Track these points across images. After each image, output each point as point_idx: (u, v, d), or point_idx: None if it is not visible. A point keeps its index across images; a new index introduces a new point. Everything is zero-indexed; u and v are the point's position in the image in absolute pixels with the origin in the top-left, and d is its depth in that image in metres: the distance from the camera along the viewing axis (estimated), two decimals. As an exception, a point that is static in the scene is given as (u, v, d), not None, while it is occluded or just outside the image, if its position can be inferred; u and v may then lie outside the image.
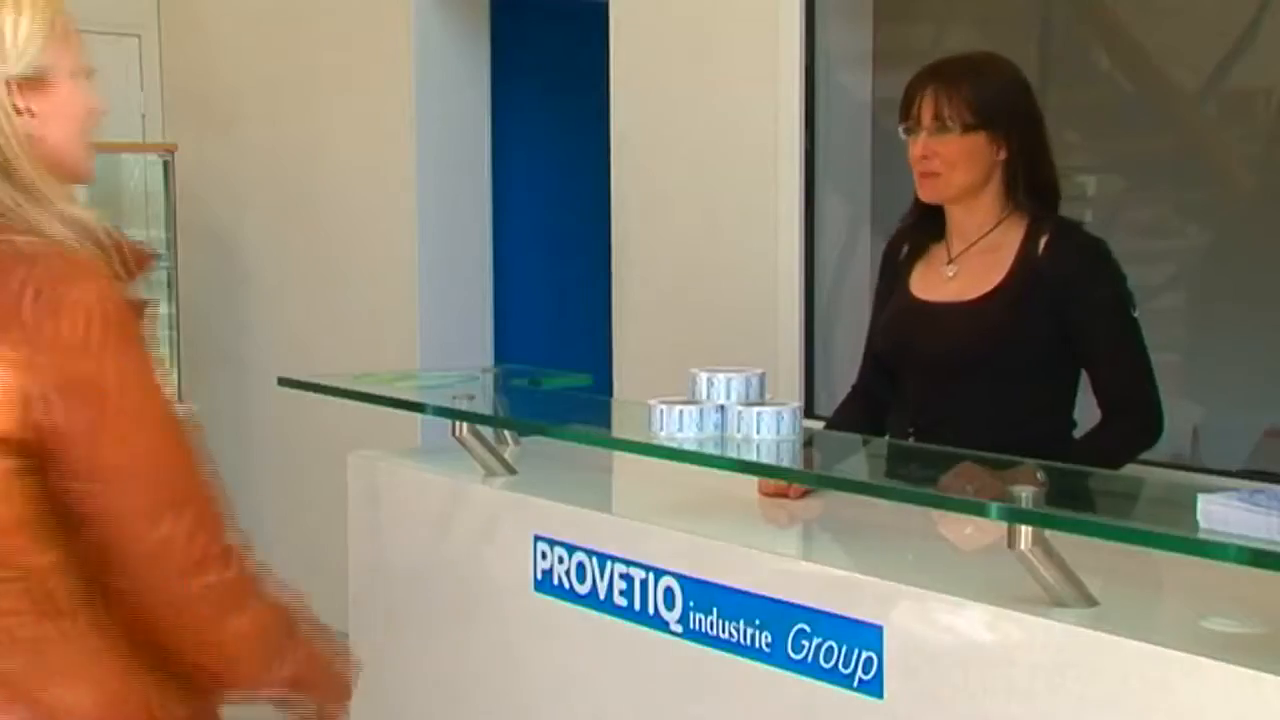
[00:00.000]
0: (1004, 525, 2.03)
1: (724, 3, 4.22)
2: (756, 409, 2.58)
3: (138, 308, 1.75)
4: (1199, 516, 1.89)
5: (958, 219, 2.84)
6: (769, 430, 2.56)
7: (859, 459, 2.82)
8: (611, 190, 4.60)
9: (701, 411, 2.61)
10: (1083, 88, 5.05)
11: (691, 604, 2.48)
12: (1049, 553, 2.05)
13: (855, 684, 2.21)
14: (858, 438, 2.86)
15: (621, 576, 2.61)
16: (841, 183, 4.23)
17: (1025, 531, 2.02)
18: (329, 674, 1.91)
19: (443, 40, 5.35)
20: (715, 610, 2.44)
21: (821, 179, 4.12)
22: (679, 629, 2.50)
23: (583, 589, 2.69)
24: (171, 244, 6.19)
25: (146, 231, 6.31)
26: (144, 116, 6.74)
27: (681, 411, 2.60)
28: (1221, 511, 1.88)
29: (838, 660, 2.24)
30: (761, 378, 2.68)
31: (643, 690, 2.59)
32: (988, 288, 2.77)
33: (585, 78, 4.90)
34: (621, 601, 2.61)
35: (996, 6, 5.19)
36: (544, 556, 2.77)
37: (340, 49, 5.70)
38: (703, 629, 2.46)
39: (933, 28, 5.16)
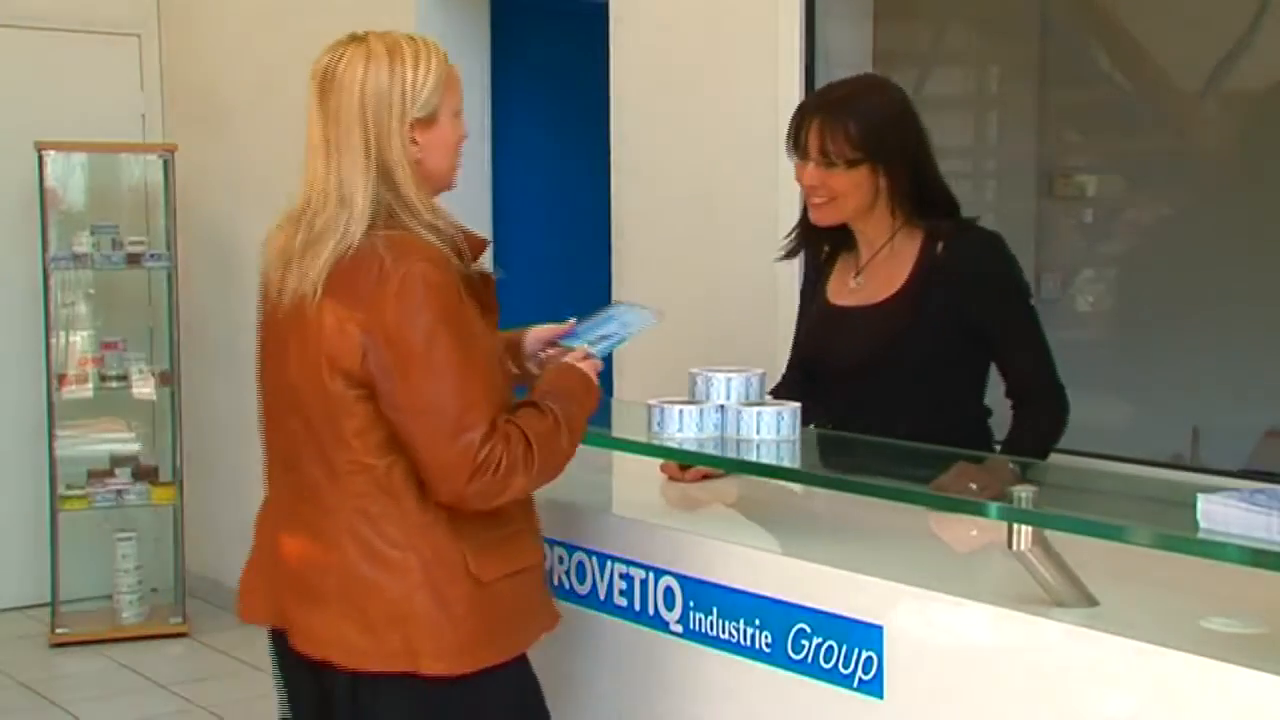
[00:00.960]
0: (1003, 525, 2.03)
1: (724, 3, 4.22)
2: (756, 409, 2.59)
3: (476, 281, 2.35)
4: (1199, 516, 1.90)
5: (860, 227, 2.94)
6: (769, 430, 2.57)
7: (856, 458, 2.82)
8: (611, 190, 4.60)
9: (701, 411, 2.61)
10: (1083, 88, 5.06)
11: (691, 604, 2.48)
12: (1049, 552, 2.05)
13: (855, 684, 2.21)
14: (853, 436, 2.86)
15: (621, 576, 2.61)
16: (841, 183, 4.22)
17: (1024, 531, 2.02)
18: (582, 414, 2.42)
19: (443, 40, 5.31)
20: (715, 610, 2.44)
21: (821, 179, 4.11)
22: (679, 629, 2.50)
23: (583, 589, 2.69)
24: (171, 244, 6.19)
25: (146, 231, 6.32)
26: (144, 116, 6.75)
27: (681, 411, 2.60)
28: (1221, 511, 1.88)
29: (838, 660, 2.24)
30: (761, 378, 2.69)
31: (643, 690, 2.59)
32: (893, 290, 2.88)
33: (585, 78, 4.90)
34: (621, 601, 2.61)
35: (996, 6, 5.19)
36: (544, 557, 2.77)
37: (340, 49, 5.69)
38: (703, 629, 2.46)
39: (933, 28, 5.16)
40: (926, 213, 2.88)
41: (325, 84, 2.34)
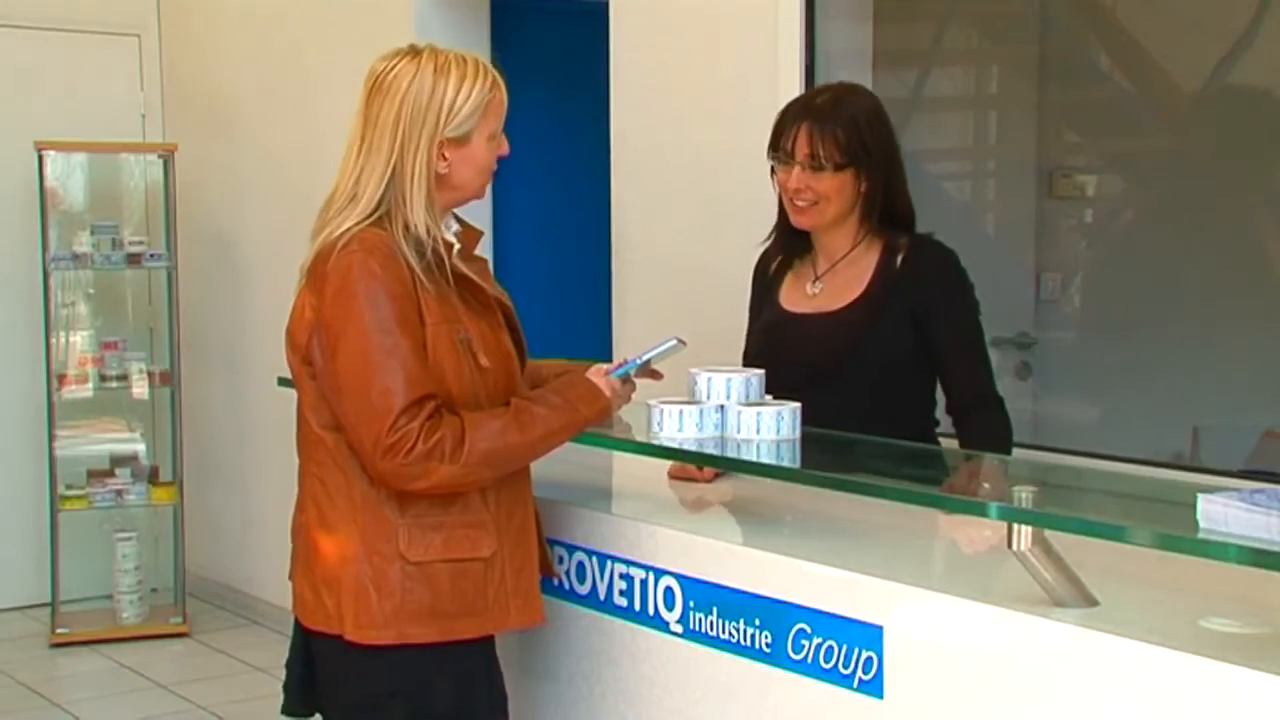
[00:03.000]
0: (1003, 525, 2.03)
1: (724, 3, 4.22)
2: (756, 409, 2.58)
3: (464, 281, 2.45)
4: (1199, 516, 1.90)
5: (824, 238, 2.99)
6: (769, 430, 2.57)
7: (855, 457, 2.82)
8: (611, 190, 4.60)
9: (701, 411, 2.61)
10: (1083, 87, 5.06)
11: (691, 604, 2.48)
12: (1049, 552, 2.05)
13: (855, 684, 2.21)
14: (853, 436, 2.87)
15: (621, 576, 2.61)
16: (841, 183, 4.22)
17: (1024, 531, 2.02)
18: (576, 420, 2.49)
19: (443, 40, 5.31)
20: (715, 610, 2.44)
21: (821, 179, 4.11)
22: (679, 629, 2.50)
23: (583, 589, 2.69)
24: (171, 244, 6.19)
25: (146, 231, 6.32)
26: (144, 116, 6.75)
27: (681, 411, 2.60)
28: (1221, 511, 1.88)
29: (838, 660, 2.24)
30: (761, 378, 2.69)
31: (643, 690, 2.59)
32: (851, 298, 2.94)
33: (585, 78, 4.90)
34: (621, 601, 2.61)
35: (996, 6, 5.20)
36: (544, 556, 2.76)
37: (340, 49, 5.70)
38: (703, 629, 2.46)
39: (933, 28, 5.16)
40: (889, 224, 2.94)
41: (373, 89, 2.46)
